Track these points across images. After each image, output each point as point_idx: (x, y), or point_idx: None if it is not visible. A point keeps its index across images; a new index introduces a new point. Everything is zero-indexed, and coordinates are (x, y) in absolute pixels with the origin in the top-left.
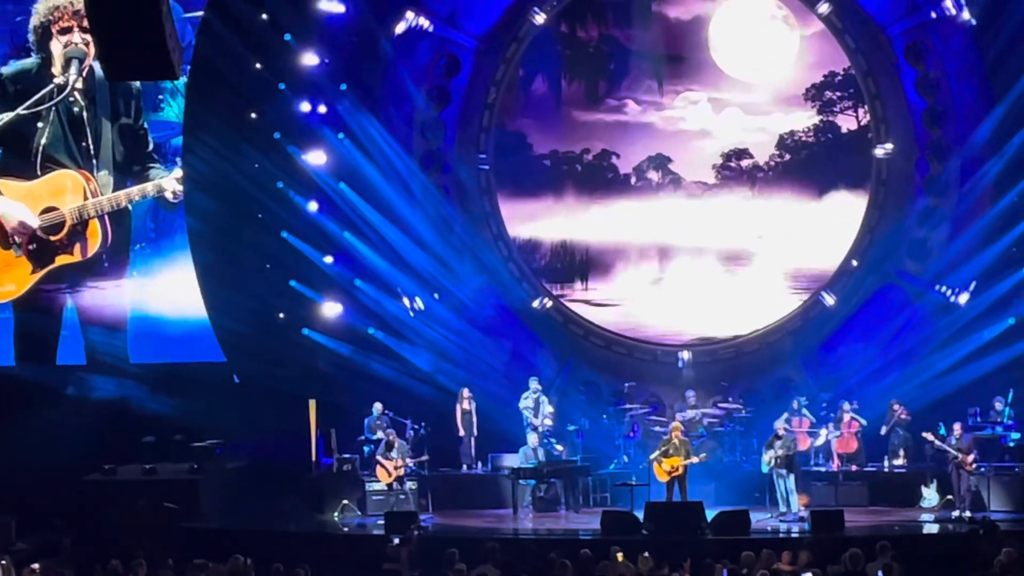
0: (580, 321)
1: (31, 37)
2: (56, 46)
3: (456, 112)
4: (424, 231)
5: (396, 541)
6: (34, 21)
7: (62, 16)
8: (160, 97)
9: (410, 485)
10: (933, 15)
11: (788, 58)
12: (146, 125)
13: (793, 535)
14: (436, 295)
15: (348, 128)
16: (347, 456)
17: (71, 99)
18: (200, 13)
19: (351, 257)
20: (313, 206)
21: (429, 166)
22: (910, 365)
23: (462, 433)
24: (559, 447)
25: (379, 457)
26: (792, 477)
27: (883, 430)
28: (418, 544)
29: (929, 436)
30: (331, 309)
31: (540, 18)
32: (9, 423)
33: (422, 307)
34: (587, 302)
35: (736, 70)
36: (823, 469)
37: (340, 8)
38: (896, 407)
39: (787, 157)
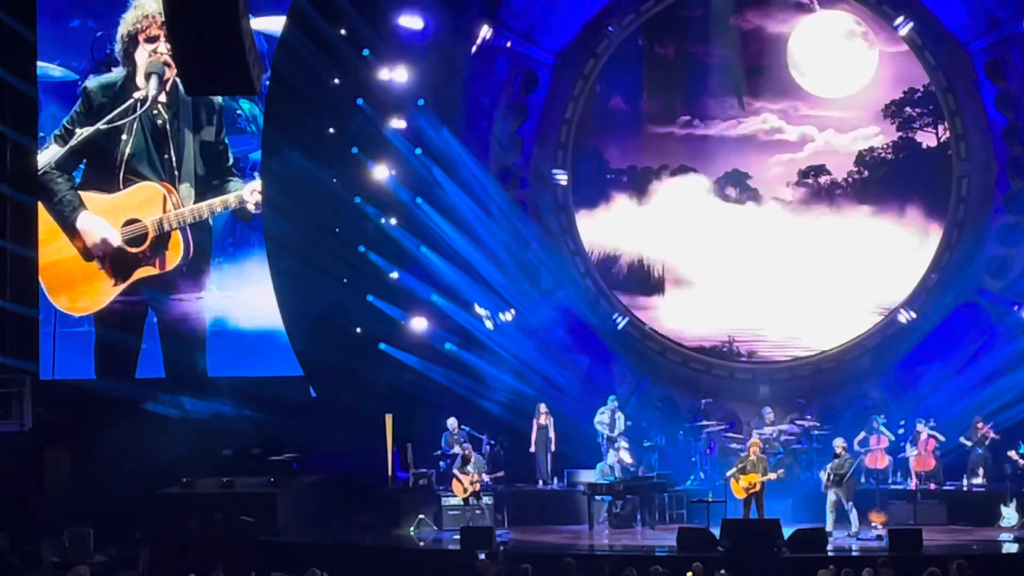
0: (657, 337)
1: (118, 47)
2: (141, 55)
3: (533, 128)
4: (500, 247)
5: (483, 556)
6: (122, 30)
7: (150, 25)
8: (238, 113)
9: (486, 500)
10: (1015, 32)
11: (867, 74)
12: (227, 140)
13: (870, 554)
14: (512, 311)
15: (425, 143)
16: (423, 471)
17: (154, 111)
18: (272, 18)
19: (428, 272)
20: (392, 221)
21: (506, 182)
22: (990, 384)
23: (534, 448)
24: (629, 459)
25: (455, 471)
26: (839, 495)
27: (968, 445)
28: (504, 559)
29: (1013, 455)
30: (418, 324)
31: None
32: (89, 436)
33: (502, 321)
34: (664, 318)
35: (815, 86)
36: (901, 487)
37: (419, 24)
38: (980, 424)
39: (865, 174)
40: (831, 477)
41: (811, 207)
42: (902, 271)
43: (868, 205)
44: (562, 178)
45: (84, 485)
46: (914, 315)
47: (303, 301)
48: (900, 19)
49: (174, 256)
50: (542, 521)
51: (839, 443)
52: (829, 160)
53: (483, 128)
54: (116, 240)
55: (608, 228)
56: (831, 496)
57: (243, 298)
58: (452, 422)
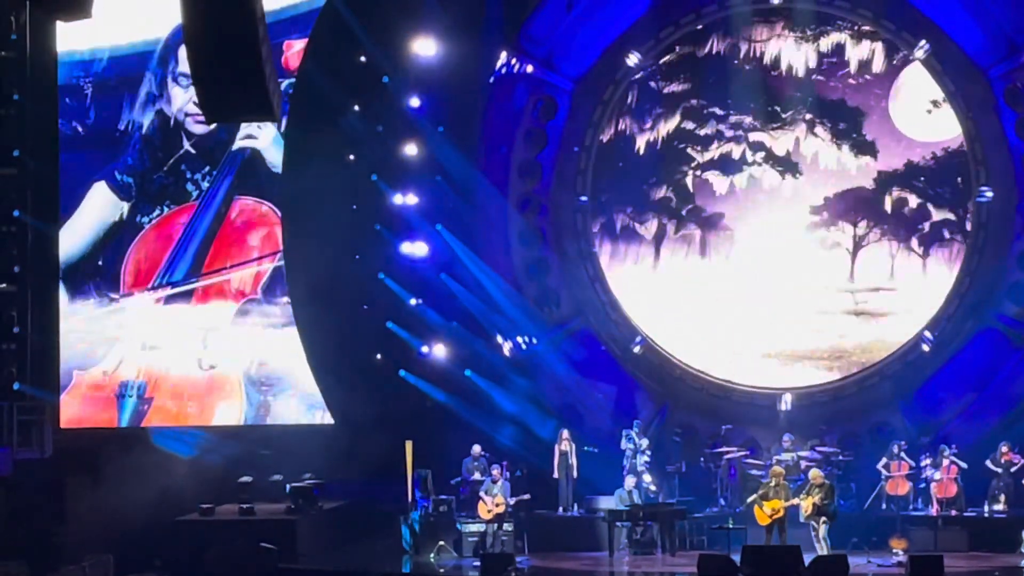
0: (677, 363)
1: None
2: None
3: (553, 154)
4: (520, 273)
5: None
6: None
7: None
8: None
9: (506, 527)
10: None
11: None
12: None
13: None
14: (533, 338)
15: (445, 170)
16: (443, 498)
17: None
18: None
19: (447, 299)
20: (410, 248)
21: (525, 208)
22: (1011, 410)
23: (556, 475)
24: (653, 487)
25: (482, 493)
26: (825, 525)
27: (999, 471)
28: None
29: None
30: (438, 351)
31: (635, 58)
32: (109, 463)
33: (522, 347)
34: (684, 344)
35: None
36: (922, 513)
37: (438, 51)
38: (1005, 449)
39: (888, 199)
40: (816, 507)
41: (834, 233)
42: (923, 297)
43: (891, 231)
44: (581, 205)
45: (104, 512)
46: (933, 339)
47: (323, 327)
48: (918, 45)
49: None
50: (562, 548)
51: (816, 474)
52: (850, 185)
53: (502, 155)
54: None
55: (628, 255)
56: (815, 526)
57: (264, 323)
58: (476, 449)
